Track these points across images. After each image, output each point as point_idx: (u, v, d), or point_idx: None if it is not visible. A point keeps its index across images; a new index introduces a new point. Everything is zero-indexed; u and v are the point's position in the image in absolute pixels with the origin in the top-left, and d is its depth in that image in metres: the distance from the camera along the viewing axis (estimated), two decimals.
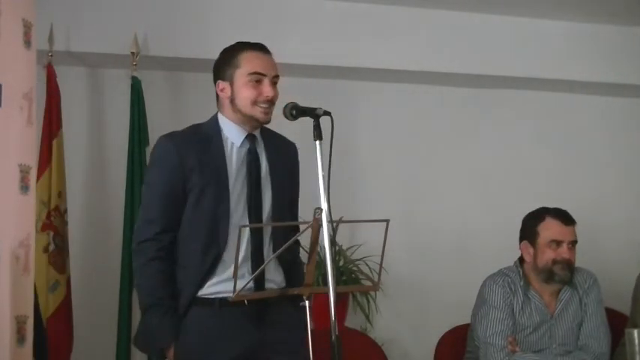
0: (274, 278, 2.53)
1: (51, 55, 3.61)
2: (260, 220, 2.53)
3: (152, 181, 2.59)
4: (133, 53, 3.71)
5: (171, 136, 2.59)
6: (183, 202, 2.51)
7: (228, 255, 2.46)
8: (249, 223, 2.50)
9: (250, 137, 2.59)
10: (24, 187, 2.51)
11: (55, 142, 3.55)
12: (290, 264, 2.59)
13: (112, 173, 3.85)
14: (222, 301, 2.43)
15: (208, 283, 2.47)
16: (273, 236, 2.54)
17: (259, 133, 2.63)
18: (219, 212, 2.49)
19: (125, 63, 3.74)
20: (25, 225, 2.54)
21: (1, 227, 2.37)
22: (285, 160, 2.64)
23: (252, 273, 2.44)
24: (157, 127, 3.82)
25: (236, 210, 2.51)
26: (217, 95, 2.65)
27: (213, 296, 2.46)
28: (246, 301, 2.42)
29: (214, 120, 2.63)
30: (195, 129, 2.63)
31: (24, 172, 2.52)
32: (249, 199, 2.53)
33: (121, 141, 3.73)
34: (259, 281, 2.48)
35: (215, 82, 2.64)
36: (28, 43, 2.57)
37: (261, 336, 2.47)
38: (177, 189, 2.51)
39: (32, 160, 2.62)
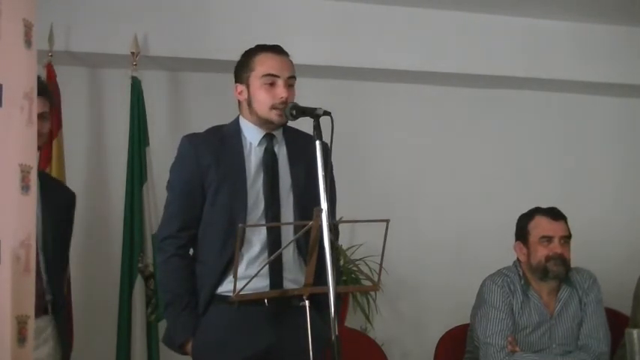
0: (296, 278, 2.51)
1: (51, 55, 3.61)
2: (277, 219, 2.53)
3: (172, 180, 2.63)
4: (133, 53, 3.71)
5: (190, 136, 2.63)
6: (202, 200, 2.55)
7: (247, 252, 2.48)
8: (266, 221, 2.51)
9: (268, 136, 2.60)
10: (24, 187, 2.51)
11: (54, 142, 3.56)
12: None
13: (112, 173, 3.86)
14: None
15: (227, 280, 2.47)
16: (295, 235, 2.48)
17: (281, 132, 2.63)
18: (236, 208, 2.50)
19: (125, 63, 3.75)
20: (25, 225, 2.53)
21: (1, 227, 2.36)
22: (308, 159, 2.48)
23: (270, 273, 2.45)
24: (157, 127, 3.84)
25: (255, 207, 2.52)
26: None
27: (232, 294, 2.45)
28: (266, 301, 2.43)
29: (235, 121, 2.65)
30: (216, 129, 2.66)
31: (25, 172, 2.51)
32: (266, 198, 2.53)
33: (121, 141, 3.73)
34: (277, 280, 2.48)
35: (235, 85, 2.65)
36: (28, 43, 2.56)
37: (280, 338, 2.47)
38: (195, 187, 2.55)
39: (33, 160, 2.62)
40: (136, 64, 3.73)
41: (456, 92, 4.44)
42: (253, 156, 2.58)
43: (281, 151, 2.61)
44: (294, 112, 2.42)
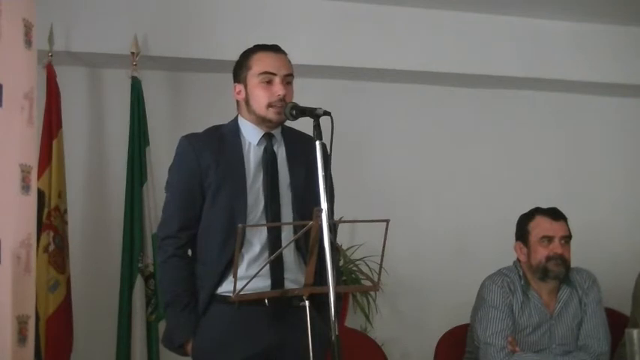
0: (296, 278, 2.51)
1: (51, 55, 3.61)
2: (278, 219, 2.53)
3: (171, 180, 2.63)
4: (133, 53, 3.71)
5: (189, 136, 2.63)
6: (202, 201, 2.55)
7: (247, 252, 2.48)
8: (267, 221, 2.51)
9: (267, 136, 2.60)
10: (25, 187, 2.52)
11: (55, 142, 3.55)
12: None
13: (112, 173, 3.86)
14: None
15: (227, 280, 2.47)
16: (295, 235, 2.47)
17: (280, 132, 2.64)
18: (236, 208, 2.50)
19: (125, 63, 3.74)
20: (26, 225, 2.54)
21: (2, 227, 2.37)
22: (306, 158, 2.50)
23: (272, 273, 2.46)
24: (157, 127, 3.84)
25: (255, 207, 2.52)
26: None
27: (232, 294, 2.44)
28: (266, 301, 2.43)
29: (234, 121, 2.66)
30: (215, 129, 2.66)
31: (25, 172, 2.52)
32: (266, 198, 2.53)
33: (121, 141, 3.73)
34: (278, 280, 2.48)
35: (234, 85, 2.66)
36: (28, 43, 2.57)
37: (280, 338, 2.47)
38: (195, 187, 2.55)
39: (33, 160, 2.63)
40: (136, 64, 3.73)
41: (456, 92, 4.44)
42: (252, 155, 2.58)
43: (280, 151, 2.61)
44: (294, 112, 2.42)
